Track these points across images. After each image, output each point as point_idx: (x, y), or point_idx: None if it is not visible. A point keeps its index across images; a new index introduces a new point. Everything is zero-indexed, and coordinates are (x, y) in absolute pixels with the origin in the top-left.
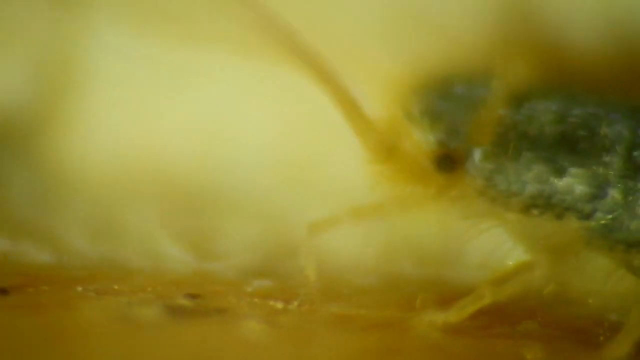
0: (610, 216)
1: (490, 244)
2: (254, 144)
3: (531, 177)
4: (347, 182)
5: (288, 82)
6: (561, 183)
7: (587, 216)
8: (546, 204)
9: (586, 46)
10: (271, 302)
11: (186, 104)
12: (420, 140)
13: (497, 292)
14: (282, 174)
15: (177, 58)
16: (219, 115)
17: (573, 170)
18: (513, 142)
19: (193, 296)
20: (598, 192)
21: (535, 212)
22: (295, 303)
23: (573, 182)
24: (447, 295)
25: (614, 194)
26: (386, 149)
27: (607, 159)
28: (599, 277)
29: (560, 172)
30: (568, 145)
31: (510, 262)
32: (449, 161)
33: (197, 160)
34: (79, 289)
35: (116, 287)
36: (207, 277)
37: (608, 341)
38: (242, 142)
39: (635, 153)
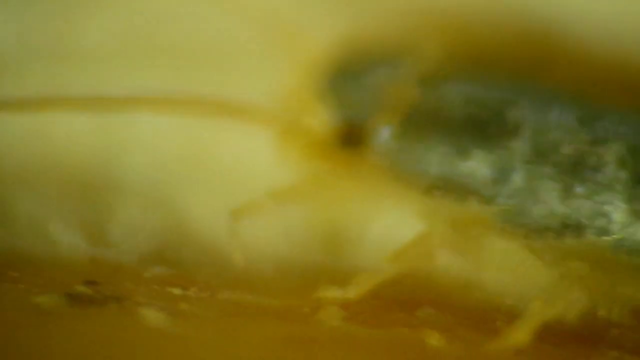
0: (512, 201)
1: (393, 225)
2: (150, 128)
3: (436, 158)
4: (247, 164)
5: (184, 65)
6: (465, 166)
7: (490, 200)
8: (449, 186)
9: (496, 30)
10: (169, 289)
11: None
12: (327, 117)
13: (396, 265)
14: (179, 159)
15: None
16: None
17: (477, 153)
18: (420, 122)
19: (91, 283)
20: (501, 176)
21: (438, 193)
22: (194, 289)
23: (477, 166)
24: (348, 279)
25: (517, 179)
26: (290, 125)
27: (512, 143)
28: (499, 261)
29: (465, 155)
30: (474, 129)
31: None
32: (354, 139)
33: (92, 146)
34: None
35: (14, 274)
36: (105, 265)
37: (506, 327)
38: (138, 126)
39: (540, 138)
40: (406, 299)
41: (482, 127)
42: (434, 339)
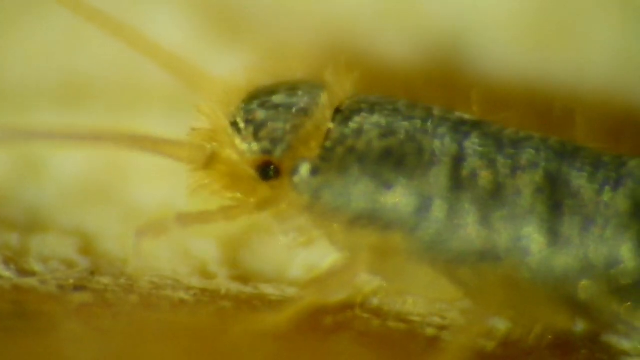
0: (432, 232)
1: (315, 258)
2: (65, 158)
3: (357, 192)
4: (162, 196)
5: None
6: (387, 198)
7: (411, 230)
8: (371, 218)
9: (409, 61)
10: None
11: None
12: (245, 149)
13: (318, 291)
14: (97, 186)
15: None
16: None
17: (398, 185)
18: (340, 156)
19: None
20: (422, 207)
21: (360, 225)
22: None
23: (398, 198)
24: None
25: (437, 210)
26: (207, 157)
27: (432, 174)
28: (419, 288)
29: (386, 187)
30: (394, 160)
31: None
32: (272, 171)
33: (10, 175)
34: None
35: None
36: (27, 293)
37: (426, 355)
38: (52, 157)
39: (460, 169)
40: (323, 326)
41: (402, 159)
42: None
